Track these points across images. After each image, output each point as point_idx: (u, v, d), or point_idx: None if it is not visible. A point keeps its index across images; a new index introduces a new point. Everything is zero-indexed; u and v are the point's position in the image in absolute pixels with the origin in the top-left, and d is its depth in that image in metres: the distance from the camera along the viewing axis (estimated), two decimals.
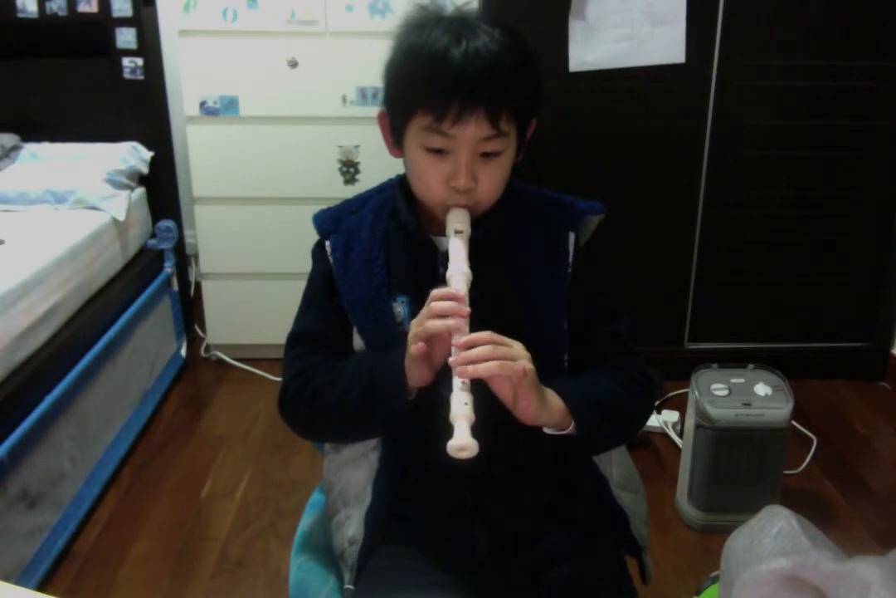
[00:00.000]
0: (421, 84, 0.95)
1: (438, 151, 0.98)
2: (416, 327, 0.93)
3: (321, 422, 1.07)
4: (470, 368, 0.89)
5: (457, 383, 0.89)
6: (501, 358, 0.90)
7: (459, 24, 0.97)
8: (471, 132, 0.95)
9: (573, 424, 0.98)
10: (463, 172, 0.97)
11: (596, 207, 1.10)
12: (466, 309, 0.91)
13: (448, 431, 0.87)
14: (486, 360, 0.89)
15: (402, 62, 0.99)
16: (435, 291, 0.93)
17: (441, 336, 0.93)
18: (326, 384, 1.03)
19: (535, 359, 0.93)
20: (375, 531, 1.04)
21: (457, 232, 0.99)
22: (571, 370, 1.08)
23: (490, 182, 1.00)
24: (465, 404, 0.87)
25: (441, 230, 1.03)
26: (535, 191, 1.13)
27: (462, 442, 0.85)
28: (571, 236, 1.09)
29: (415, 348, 0.93)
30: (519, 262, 1.07)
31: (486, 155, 0.98)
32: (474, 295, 0.95)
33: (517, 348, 0.93)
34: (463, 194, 0.99)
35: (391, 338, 1.03)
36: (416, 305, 1.01)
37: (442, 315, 0.92)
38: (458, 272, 0.96)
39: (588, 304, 1.08)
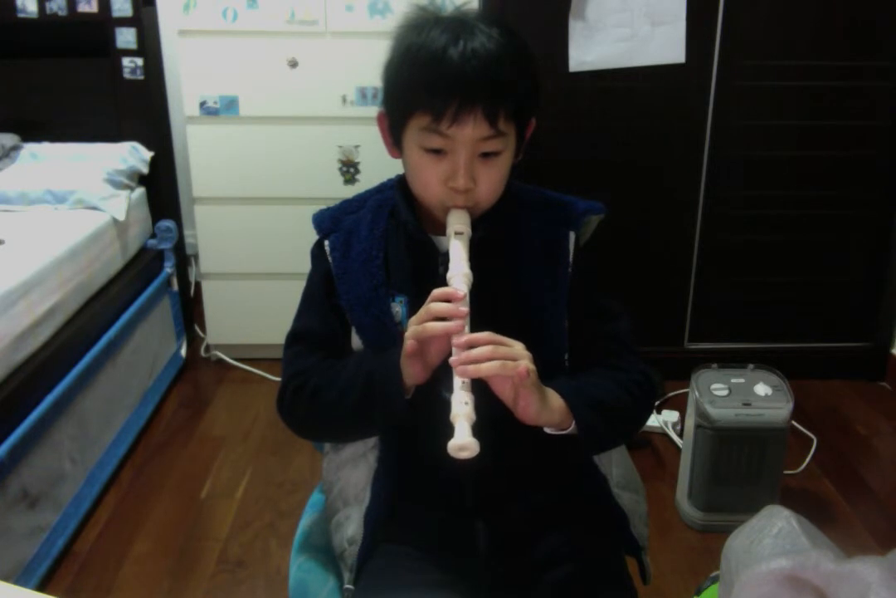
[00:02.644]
0: (419, 84, 0.95)
1: (437, 152, 0.97)
2: (413, 326, 0.93)
3: (320, 421, 1.07)
4: (471, 368, 0.89)
5: (457, 382, 0.89)
6: (502, 358, 0.90)
7: (458, 24, 0.97)
8: (469, 132, 0.95)
9: (573, 424, 0.98)
10: (462, 172, 0.97)
11: (596, 207, 1.10)
12: (465, 309, 0.91)
13: (448, 430, 0.87)
14: (488, 360, 0.89)
15: (400, 62, 0.99)
16: (435, 291, 0.93)
17: (437, 335, 0.92)
18: (325, 384, 1.03)
19: (536, 359, 0.93)
20: (375, 531, 1.04)
21: (457, 233, 0.99)
22: (571, 370, 1.08)
23: (489, 182, 1.00)
24: (466, 403, 0.87)
25: (440, 230, 1.03)
26: (535, 191, 1.13)
27: (462, 442, 0.85)
28: (572, 236, 1.09)
29: (406, 345, 0.93)
30: (519, 261, 1.07)
31: (485, 155, 0.98)
32: (474, 295, 0.95)
33: (518, 347, 0.92)
34: (462, 195, 0.99)
35: (390, 338, 1.03)
36: (415, 304, 1.01)
37: (441, 317, 0.92)
38: (459, 273, 0.95)
39: (588, 303, 1.08)
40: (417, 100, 0.95)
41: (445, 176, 0.98)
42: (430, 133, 0.96)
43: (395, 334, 1.03)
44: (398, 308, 1.06)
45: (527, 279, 1.06)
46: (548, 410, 0.95)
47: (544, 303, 1.06)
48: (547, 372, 0.96)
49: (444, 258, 1.01)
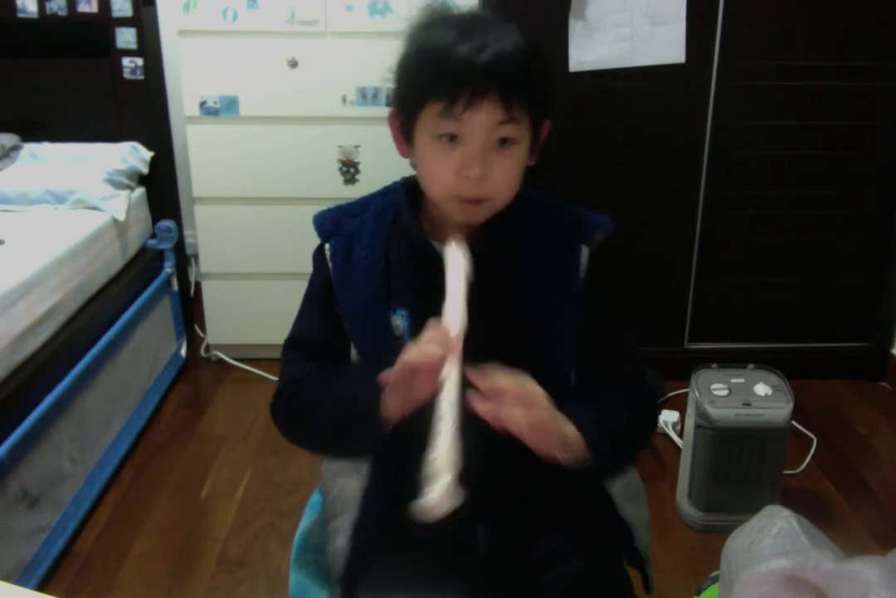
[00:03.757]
0: (432, 72, 0.93)
1: (451, 139, 0.94)
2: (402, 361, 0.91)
3: (306, 437, 1.06)
4: (503, 420, 0.88)
5: (445, 426, 0.86)
6: (521, 404, 0.89)
7: (470, 19, 0.96)
8: (483, 118, 0.92)
9: (588, 456, 0.96)
10: (476, 159, 0.94)
11: (606, 222, 1.07)
12: (457, 349, 0.89)
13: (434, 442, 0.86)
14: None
15: (412, 57, 0.97)
16: (428, 334, 0.90)
17: (424, 371, 0.89)
18: (314, 401, 1.02)
19: (543, 375, 0.92)
20: (361, 545, 1.04)
21: (456, 269, 0.95)
22: (577, 385, 1.06)
23: (503, 174, 0.96)
24: (451, 451, 0.84)
25: (447, 238, 1.00)
26: (546, 200, 1.09)
27: (439, 500, 0.82)
28: (585, 250, 1.05)
29: (388, 376, 0.91)
30: (529, 275, 1.04)
31: (500, 143, 0.95)
32: (482, 308, 0.93)
33: (531, 389, 0.91)
34: (475, 185, 0.95)
35: (388, 351, 1.00)
36: (417, 317, 0.99)
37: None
38: (454, 316, 0.91)
39: (598, 320, 1.05)
40: (431, 87, 0.93)
41: (458, 165, 0.95)
42: (443, 119, 0.93)
43: (393, 346, 1.00)
44: (399, 322, 1.03)
45: (537, 294, 1.03)
46: (564, 448, 0.93)
47: (554, 318, 1.03)
48: (553, 388, 0.94)
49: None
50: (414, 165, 1.04)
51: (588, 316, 1.04)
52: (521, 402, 0.90)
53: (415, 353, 0.89)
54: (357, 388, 0.97)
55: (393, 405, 0.93)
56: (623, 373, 1.07)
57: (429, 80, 0.94)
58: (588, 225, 1.06)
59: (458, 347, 0.90)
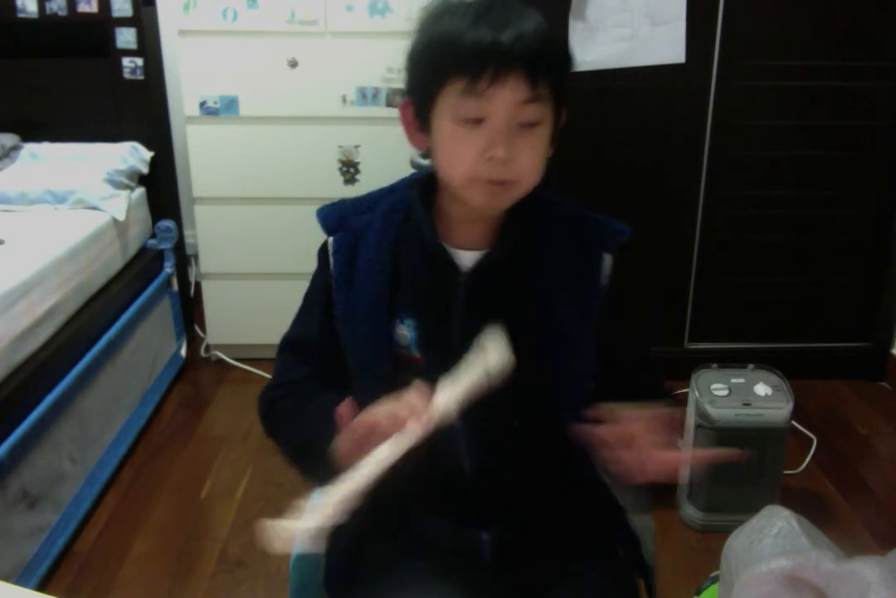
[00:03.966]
0: (454, 51, 0.89)
1: (475, 122, 0.90)
2: (366, 416, 0.88)
3: (276, 444, 1.05)
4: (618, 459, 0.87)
5: (358, 477, 0.81)
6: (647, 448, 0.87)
7: (489, 2, 0.92)
8: (508, 94, 0.88)
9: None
10: (501, 139, 0.90)
11: (627, 230, 1.05)
12: (422, 426, 0.85)
13: (441, 445, 0.85)
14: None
15: (428, 43, 0.93)
16: (407, 397, 0.86)
17: (383, 431, 0.86)
18: (287, 417, 1.00)
19: (561, 383, 0.92)
20: (339, 553, 1.03)
21: (484, 361, 0.88)
22: (596, 394, 1.02)
23: (529, 156, 0.92)
24: (343, 502, 0.80)
25: (461, 242, 0.98)
26: (565, 204, 1.07)
27: (291, 536, 0.77)
28: (608, 258, 1.03)
29: (341, 408, 0.88)
30: (546, 277, 1.01)
31: (523, 127, 0.91)
32: (503, 309, 0.91)
33: (653, 426, 0.89)
34: (500, 166, 0.91)
35: (385, 361, 0.97)
36: (425, 327, 0.96)
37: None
38: (447, 397, 0.86)
39: (617, 327, 1.03)
40: (453, 65, 0.89)
41: (482, 146, 0.90)
42: (466, 97, 0.89)
43: (395, 356, 0.98)
44: (405, 332, 0.98)
45: (552, 297, 1.00)
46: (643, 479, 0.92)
47: (570, 322, 1.00)
48: (571, 397, 0.93)
49: (464, 277, 0.96)
50: (416, 167, 1.02)
51: (604, 320, 1.01)
52: (646, 445, 0.88)
53: (382, 411, 0.86)
54: (318, 420, 0.94)
55: (344, 449, 0.89)
56: (641, 377, 1.06)
57: (450, 59, 0.89)
58: (611, 233, 1.03)
59: (427, 422, 0.84)
